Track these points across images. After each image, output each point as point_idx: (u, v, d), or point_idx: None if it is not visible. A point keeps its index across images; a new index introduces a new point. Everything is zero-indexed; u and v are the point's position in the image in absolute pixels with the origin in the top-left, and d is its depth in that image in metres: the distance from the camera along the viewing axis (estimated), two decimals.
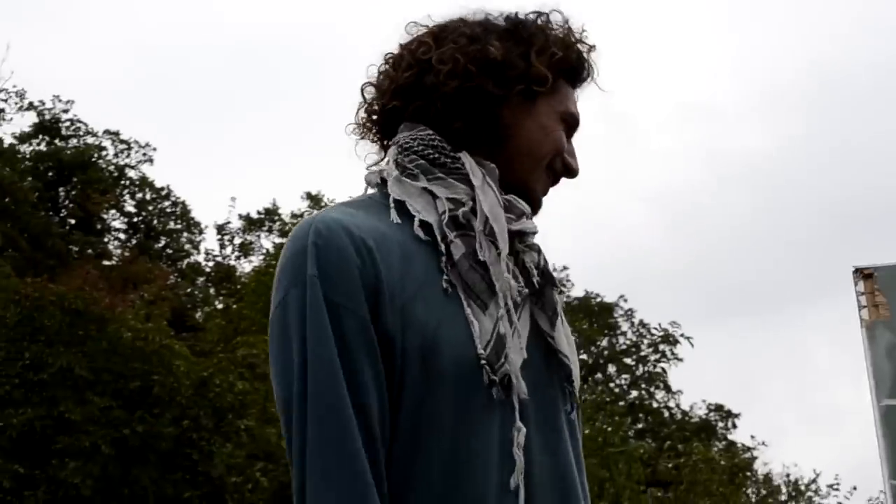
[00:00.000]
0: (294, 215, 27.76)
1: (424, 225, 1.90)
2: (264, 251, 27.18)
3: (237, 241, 29.44)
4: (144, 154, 30.62)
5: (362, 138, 2.13)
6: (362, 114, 2.11)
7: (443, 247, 1.88)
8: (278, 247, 23.03)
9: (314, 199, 25.30)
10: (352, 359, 1.78)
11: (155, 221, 30.70)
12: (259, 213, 29.69)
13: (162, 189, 30.93)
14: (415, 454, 1.80)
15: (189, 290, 28.38)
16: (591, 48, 2.14)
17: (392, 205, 1.94)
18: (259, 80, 45.50)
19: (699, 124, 48.91)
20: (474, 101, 2.00)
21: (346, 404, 1.75)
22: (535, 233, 2.02)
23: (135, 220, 30.50)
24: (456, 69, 1.99)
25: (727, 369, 42.37)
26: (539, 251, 2.02)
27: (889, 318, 5.61)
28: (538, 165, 2.06)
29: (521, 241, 1.98)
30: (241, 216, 29.43)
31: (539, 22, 2.09)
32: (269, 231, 29.46)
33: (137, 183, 30.67)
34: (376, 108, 2.08)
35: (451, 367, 1.80)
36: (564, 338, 1.99)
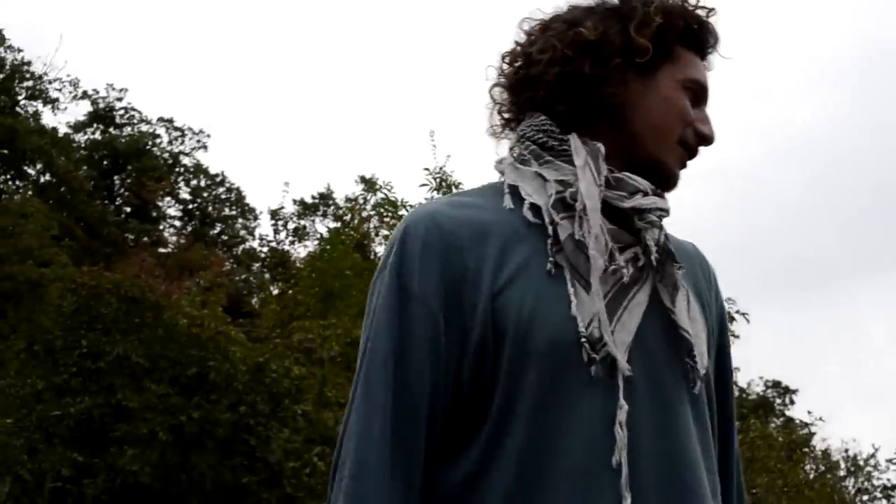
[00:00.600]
0: (348, 199, 27.74)
1: (534, 207, 1.95)
2: (318, 236, 27.19)
3: (291, 226, 29.49)
4: (198, 141, 30.91)
5: (498, 138, 2.16)
6: (493, 116, 2.16)
7: (550, 229, 1.92)
8: (332, 231, 23.01)
9: (368, 183, 25.22)
10: (407, 346, 1.86)
11: (210, 208, 30.91)
12: (313, 197, 29.76)
13: (216, 175, 31.17)
14: (505, 429, 1.84)
15: (244, 276, 28.52)
16: (710, 12, 2.12)
17: (507, 190, 2.00)
18: (313, 65, 45.57)
19: (753, 101, 48.48)
20: (574, 83, 2.02)
21: (388, 387, 1.84)
22: (656, 209, 2.00)
23: (190, 206, 30.73)
24: (554, 56, 2.02)
25: (784, 346, 41.98)
26: (661, 227, 2.01)
27: None
28: (665, 139, 2.05)
29: (640, 217, 1.97)
30: (295, 201, 29.49)
31: None
32: (324, 216, 29.53)
33: (192, 170, 30.93)
34: (501, 105, 2.14)
35: (548, 345, 1.84)
36: (686, 312, 1.97)
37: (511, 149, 2.08)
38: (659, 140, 2.04)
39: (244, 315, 22.87)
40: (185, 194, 30.81)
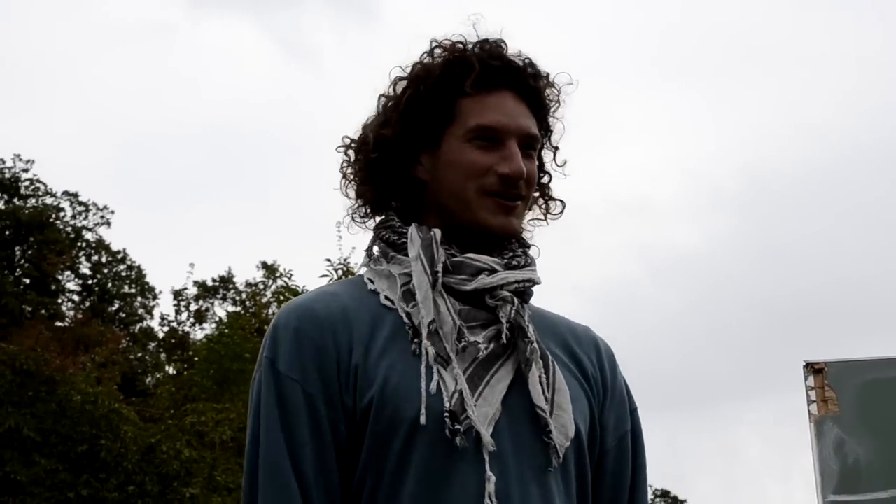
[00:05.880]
0: (249, 284, 27.83)
1: (389, 299, 2.03)
2: (217, 319, 27.16)
3: (193, 307, 29.41)
4: (102, 216, 30.70)
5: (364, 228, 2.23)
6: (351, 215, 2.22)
7: (404, 316, 1.99)
8: (231, 315, 23.04)
9: (269, 269, 25.36)
10: (294, 430, 1.93)
11: (109, 284, 30.65)
12: (214, 280, 29.72)
13: (118, 252, 30.95)
14: (386, 500, 1.91)
15: (140, 354, 28.31)
16: (484, 44, 2.10)
17: (367, 283, 2.08)
18: (220, 150, 45.69)
19: (633, 220, 49.38)
20: (385, 174, 2.11)
21: (287, 468, 1.90)
22: (510, 283, 2.02)
23: (89, 282, 30.46)
24: (362, 152, 2.14)
25: (661, 463, 42.51)
26: (511, 302, 2.01)
27: (838, 413, 5.60)
28: (464, 199, 2.05)
29: (491, 296, 2.01)
30: (196, 283, 29.46)
31: (417, 62, 2.13)
32: (224, 299, 29.48)
33: (94, 245, 30.68)
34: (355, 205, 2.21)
35: (413, 419, 1.88)
36: (541, 385, 1.97)
37: (368, 248, 2.14)
38: (461, 202, 2.05)
39: (138, 394, 22.74)
40: (85, 269, 30.59)
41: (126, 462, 14.22)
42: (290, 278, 16.95)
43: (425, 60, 2.12)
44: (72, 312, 28.91)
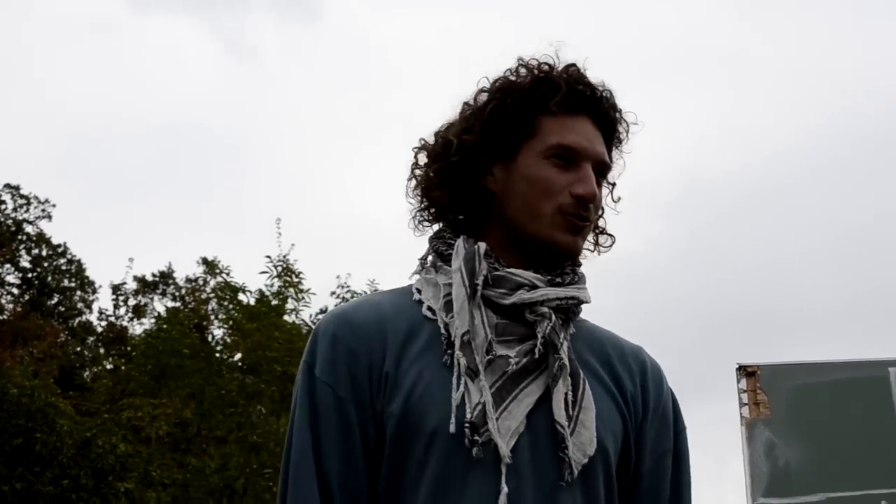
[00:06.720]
0: (189, 280, 27.87)
1: (431, 309, 2.07)
2: (156, 314, 27.15)
3: (132, 302, 29.38)
4: (43, 210, 30.59)
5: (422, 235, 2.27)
6: (412, 221, 2.26)
7: (442, 326, 2.03)
8: (170, 310, 23.02)
9: (210, 265, 25.42)
10: (322, 429, 1.99)
11: (49, 278, 30.51)
12: (154, 275, 29.70)
13: (59, 246, 30.83)
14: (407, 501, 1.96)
15: (78, 348, 28.23)
16: (570, 67, 2.15)
17: (414, 292, 2.13)
18: (162, 147, 45.49)
19: None
20: (454, 191, 2.14)
21: (311, 466, 1.98)
22: (551, 300, 2.06)
23: (29, 275, 30.32)
24: (434, 159, 2.17)
25: None
26: (549, 318, 2.04)
27: (770, 416, 5.64)
28: (537, 215, 2.08)
29: (530, 311, 2.04)
30: (136, 278, 29.42)
31: (502, 76, 2.17)
32: (163, 294, 29.47)
33: (34, 238, 30.54)
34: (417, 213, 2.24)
35: (436, 426, 1.93)
36: (564, 403, 1.98)
37: (423, 257, 2.18)
38: (532, 218, 2.08)
39: (76, 388, 22.66)
40: (25, 262, 30.45)
41: (61, 456, 14.22)
42: (229, 274, 17.00)
43: (510, 77, 2.16)
44: (11, 305, 28.77)
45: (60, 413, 15.02)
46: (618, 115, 2.18)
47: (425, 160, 2.20)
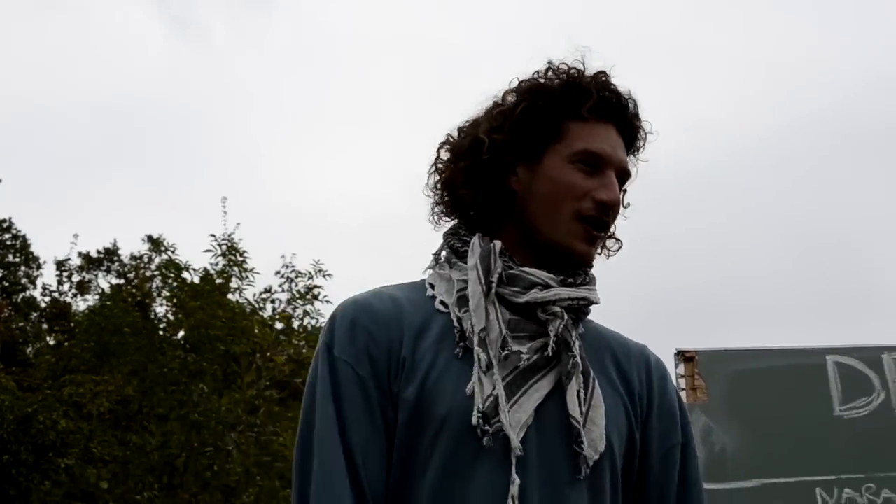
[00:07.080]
0: (133, 257, 27.69)
1: (444, 303, 2.13)
2: (100, 291, 26.94)
3: (76, 278, 29.15)
4: None
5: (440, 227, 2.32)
6: (431, 214, 2.31)
7: (455, 321, 2.08)
8: (114, 287, 22.89)
9: (155, 243, 25.25)
10: (344, 404, 2.02)
11: None
12: (99, 252, 29.49)
13: (3, 221, 30.53)
14: (409, 491, 1.99)
15: (21, 324, 28.01)
16: (600, 74, 2.19)
17: (427, 287, 2.18)
18: (108, 124, 45.16)
19: None
20: (479, 189, 2.18)
21: (337, 439, 1.99)
22: (562, 300, 2.10)
23: None
24: (459, 155, 2.22)
25: None
26: (561, 317, 2.08)
27: (707, 401, 5.78)
28: (557, 219, 2.12)
29: (543, 310, 2.09)
30: (80, 254, 29.19)
31: (532, 78, 2.21)
32: (108, 271, 29.26)
33: None
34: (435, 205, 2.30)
35: (446, 415, 1.97)
36: (578, 399, 2.03)
37: (437, 252, 2.23)
38: (552, 221, 2.12)
39: (18, 363, 22.51)
40: None
41: (1, 431, 14.13)
42: (174, 252, 16.90)
43: (539, 79, 2.20)
44: None
45: (2, 388, 14.96)
46: (640, 125, 2.24)
47: (448, 156, 2.25)
